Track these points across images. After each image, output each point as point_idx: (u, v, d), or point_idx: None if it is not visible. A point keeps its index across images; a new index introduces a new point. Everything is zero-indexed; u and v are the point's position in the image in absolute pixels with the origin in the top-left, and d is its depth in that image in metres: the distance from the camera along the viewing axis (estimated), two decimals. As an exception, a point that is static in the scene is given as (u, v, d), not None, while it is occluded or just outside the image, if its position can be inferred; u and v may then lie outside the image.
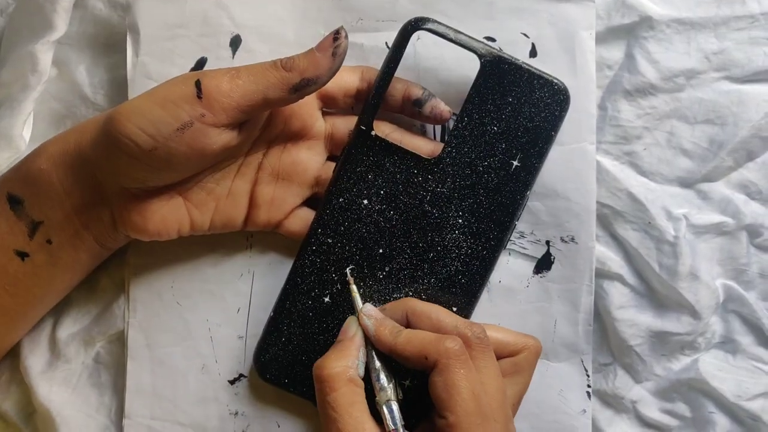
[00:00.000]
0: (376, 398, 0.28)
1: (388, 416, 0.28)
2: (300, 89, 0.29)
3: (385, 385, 0.28)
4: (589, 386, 0.34)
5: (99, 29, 0.35)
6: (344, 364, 0.28)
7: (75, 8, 0.34)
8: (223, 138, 0.28)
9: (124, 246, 0.33)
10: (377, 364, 0.29)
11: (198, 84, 0.27)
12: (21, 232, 0.30)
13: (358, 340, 0.29)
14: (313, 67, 0.28)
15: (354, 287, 0.31)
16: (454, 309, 0.32)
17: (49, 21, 0.33)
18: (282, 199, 0.32)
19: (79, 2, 0.35)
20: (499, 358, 0.30)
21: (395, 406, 0.28)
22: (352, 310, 0.31)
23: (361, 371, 0.28)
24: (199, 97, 0.27)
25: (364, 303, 0.30)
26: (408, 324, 0.30)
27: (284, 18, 0.34)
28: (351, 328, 0.30)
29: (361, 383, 0.28)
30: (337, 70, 0.29)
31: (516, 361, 0.30)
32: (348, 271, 0.32)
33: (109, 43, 0.35)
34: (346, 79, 0.32)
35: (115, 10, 0.35)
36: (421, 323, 0.29)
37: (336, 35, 0.29)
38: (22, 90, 0.33)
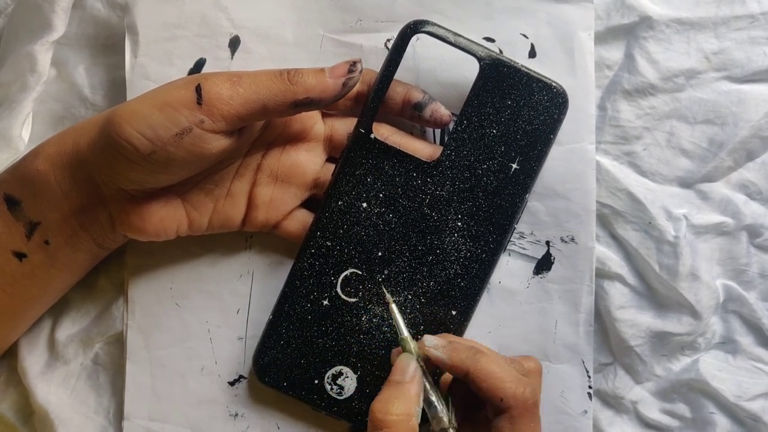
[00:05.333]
0: (432, 427, 0.27)
1: None
2: (300, 106, 0.28)
3: (444, 413, 0.28)
4: (590, 387, 0.34)
5: (98, 30, 0.35)
6: (407, 411, 0.26)
7: (74, 9, 0.34)
8: (222, 143, 0.28)
9: (122, 247, 0.33)
10: (431, 391, 0.28)
11: (198, 89, 0.27)
12: (18, 232, 0.30)
13: (418, 382, 0.27)
14: (320, 89, 0.28)
15: (395, 308, 0.29)
16: (454, 312, 0.32)
17: (48, 21, 0.33)
18: (280, 201, 0.32)
19: (78, 3, 0.35)
20: None
21: None
22: (394, 334, 0.30)
23: (420, 418, 0.27)
24: (199, 103, 0.27)
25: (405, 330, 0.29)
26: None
27: (283, 19, 0.34)
28: (409, 368, 0.28)
29: (418, 430, 0.27)
30: (341, 98, 0.29)
31: None
32: (386, 292, 0.31)
33: (108, 44, 0.35)
34: None
35: (114, 10, 0.35)
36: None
37: (352, 66, 0.29)
38: (20, 90, 0.33)
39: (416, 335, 0.32)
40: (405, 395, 0.27)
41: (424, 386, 0.28)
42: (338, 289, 0.32)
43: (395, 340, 0.32)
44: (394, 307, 0.30)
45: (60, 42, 0.34)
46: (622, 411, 0.36)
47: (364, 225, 0.32)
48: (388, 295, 0.30)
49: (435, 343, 0.28)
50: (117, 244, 0.32)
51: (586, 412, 0.34)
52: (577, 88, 0.33)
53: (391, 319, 0.30)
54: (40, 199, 0.30)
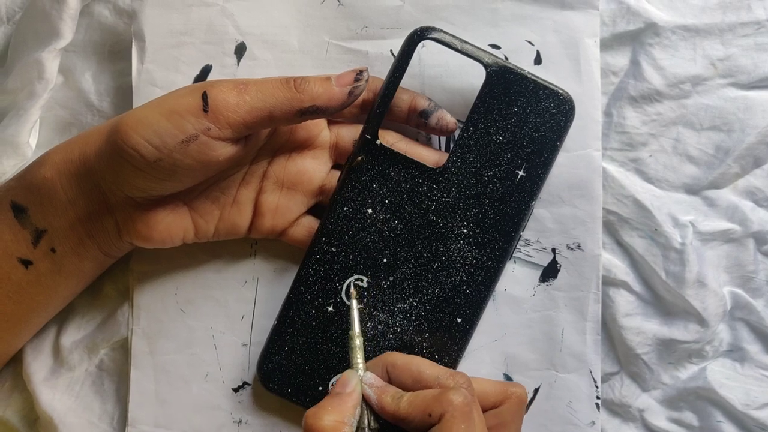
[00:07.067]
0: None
1: None
2: (306, 114, 0.28)
3: (364, 415, 0.28)
4: (598, 398, 0.33)
5: (105, 37, 0.35)
6: (338, 418, 0.26)
7: (81, 16, 0.34)
8: (228, 150, 0.28)
9: (128, 253, 0.33)
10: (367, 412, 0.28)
11: (205, 97, 0.27)
12: (25, 240, 0.30)
13: (356, 396, 0.28)
14: (326, 97, 0.28)
15: (355, 303, 0.30)
16: (459, 320, 0.32)
17: (56, 29, 0.33)
18: (286, 208, 0.32)
19: (85, 10, 0.35)
20: (482, 410, 0.28)
21: None
22: (348, 327, 0.30)
23: (354, 429, 0.27)
24: (205, 110, 0.27)
25: (360, 326, 0.30)
26: (389, 379, 0.29)
27: (288, 26, 0.34)
28: (350, 382, 0.28)
29: None
30: (347, 106, 0.29)
31: (499, 412, 0.29)
32: (352, 285, 0.31)
33: (115, 51, 0.35)
34: None
35: (121, 17, 0.35)
36: (402, 376, 0.28)
37: (358, 75, 0.29)
38: (28, 97, 0.34)
39: (421, 342, 0.32)
40: (341, 405, 0.27)
41: (365, 410, 0.28)
42: (343, 295, 0.32)
43: (400, 347, 0.32)
44: (354, 302, 0.30)
45: (67, 49, 0.34)
46: (628, 419, 0.35)
47: (369, 231, 0.32)
48: (353, 291, 0.31)
49: (370, 382, 0.28)
50: (122, 253, 0.33)
51: (593, 423, 0.33)
52: (582, 94, 0.33)
53: (351, 315, 0.30)
54: (47, 207, 0.30)
